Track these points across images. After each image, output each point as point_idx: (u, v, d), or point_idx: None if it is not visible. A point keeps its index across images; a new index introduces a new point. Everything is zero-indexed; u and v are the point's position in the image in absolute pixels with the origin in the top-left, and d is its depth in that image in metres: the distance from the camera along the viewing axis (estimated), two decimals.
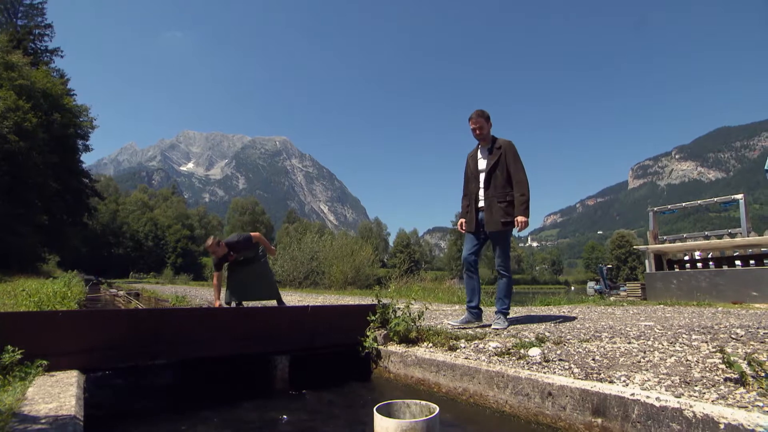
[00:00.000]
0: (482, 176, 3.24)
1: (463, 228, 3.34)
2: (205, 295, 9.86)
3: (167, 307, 6.49)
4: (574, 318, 3.79)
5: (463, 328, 3.01)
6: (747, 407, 1.21)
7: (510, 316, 3.32)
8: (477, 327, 3.09)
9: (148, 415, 1.85)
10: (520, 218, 3.01)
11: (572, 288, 53.88)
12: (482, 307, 3.45)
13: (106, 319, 1.93)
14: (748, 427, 1.08)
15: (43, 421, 1.03)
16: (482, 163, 3.28)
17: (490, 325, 3.07)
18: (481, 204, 3.23)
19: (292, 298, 8.69)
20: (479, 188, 3.26)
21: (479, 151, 3.35)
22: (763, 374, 1.45)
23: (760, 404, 1.23)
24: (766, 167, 7.36)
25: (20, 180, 20.34)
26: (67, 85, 29.68)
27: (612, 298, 7.88)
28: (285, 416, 1.82)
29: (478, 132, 3.25)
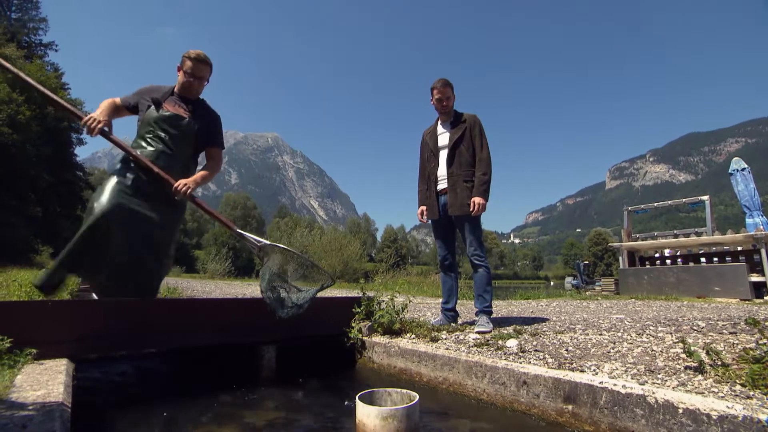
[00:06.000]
0: (444, 153, 2.85)
1: (425, 217, 2.93)
2: (197, 286, 9.79)
3: (157, 297, 6.40)
4: (551, 311, 3.93)
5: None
6: (704, 393, 1.30)
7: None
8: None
9: (136, 402, 1.85)
10: (476, 199, 2.66)
11: (551, 283, 55.45)
12: (461, 299, 3.41)
13: (95, 309, 1.90)
14: (704, 411, 1.16)
15: (30, 407, 1.03)
16: (444, 138, 2.89)
17: (471, 324, 2.86)
18: (443, 186, 2.84)
19: None
20: (439, 167, 2.87)
21: (439, 126, 2.97)
22: (719, 363, 1.56)
23: (716, 390, 1.32)
24: (730, 171, 7.77)
25: (13, 172, 20.46)
26: (61, 78, 29.34)
27: (588, 293, 8.18)
28: (271, 403, 1.85)
29: (445, 103, 2.87)
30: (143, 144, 2.35)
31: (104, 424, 1.58)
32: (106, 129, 2.24)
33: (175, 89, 2.47)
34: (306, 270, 2.27)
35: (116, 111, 2.40)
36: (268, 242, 2.24)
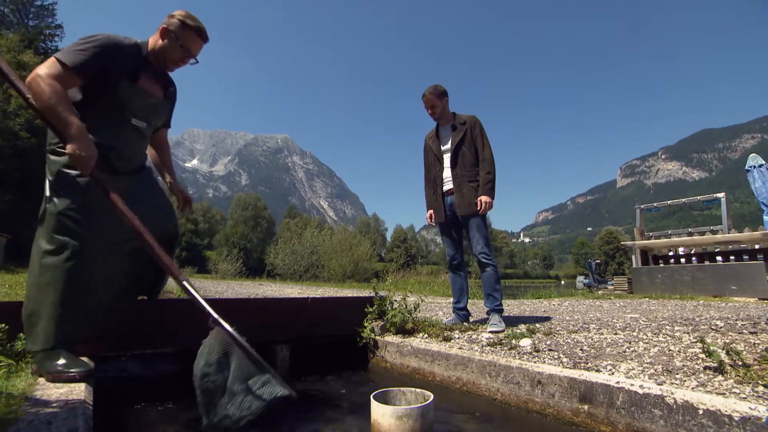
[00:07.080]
0: (448, 156, 2.94)
1: (433, 220, 3.02)
2: (209, 287, 9.95)
3: (170, 298, 6.55)
4: (563, 310, 3.89)
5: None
6: (725, 394, 1.28)
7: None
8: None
9: (152, 401, 1.90)
10: (483, 198, 2.73)
11: (562, 282, 54.81)
12: (471, 299, 3.41)
13: None
14: (725, 412, 1.14)
15: (54, 404, 1.06)
16: (446, 142, 2.97)
17: (483, 323, 2.87)
18: (448, 187, 2.93)
19: (292, 290, 8.83)
20: (444, 169, 2.96)
21: (440, 130, 3.05)
22: (740, 363, 1.53)
23: (737, 391, 1.29)
24: (747, 167, 7.59)
25: (31, 175, 21.27)
26: None
27: (600, 292, 8.07)
28: (286, 403, 1.86)
29: (430, 111, 2.97)
30: (106, 132, 1.61)
31: (124, 421, 1.62)
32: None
33: (149, 56, 1.71)
34: (252, 368, 1.38)
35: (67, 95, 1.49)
36: (214, 316, 1.43)
